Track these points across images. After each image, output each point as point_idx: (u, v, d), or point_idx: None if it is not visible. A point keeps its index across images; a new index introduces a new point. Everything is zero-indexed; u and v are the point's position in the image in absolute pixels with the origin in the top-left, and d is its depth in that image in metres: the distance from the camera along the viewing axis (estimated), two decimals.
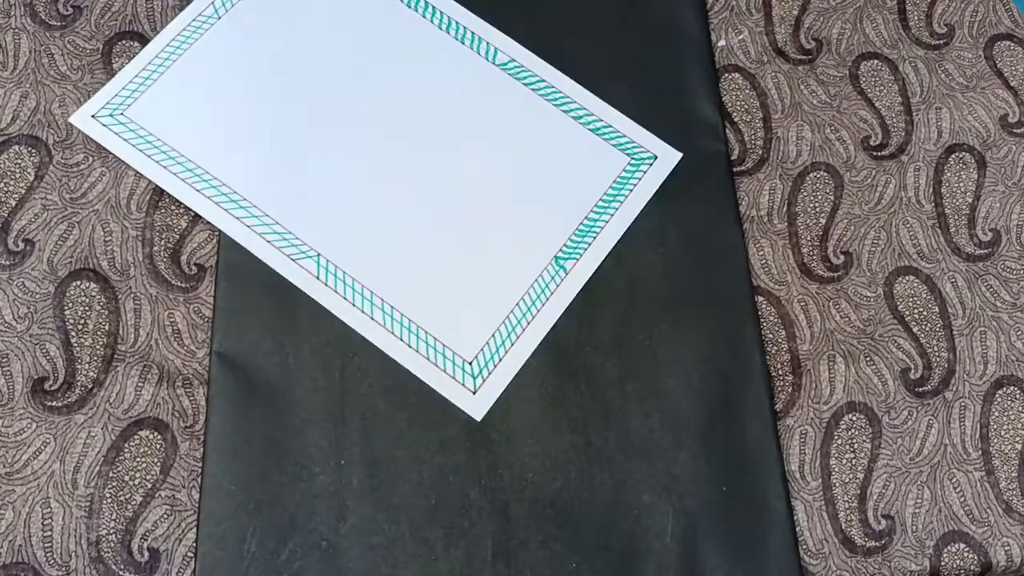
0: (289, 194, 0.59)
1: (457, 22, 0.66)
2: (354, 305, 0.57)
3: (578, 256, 0.59)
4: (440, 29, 0.66)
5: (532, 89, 0.64)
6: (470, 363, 0.56)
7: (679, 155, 0.62)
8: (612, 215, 0.61)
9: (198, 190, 0.58)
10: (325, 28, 0.65)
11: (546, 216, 0.61)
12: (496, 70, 0.65)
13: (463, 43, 0.65)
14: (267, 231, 0.57)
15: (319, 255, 0.57)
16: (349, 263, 0.57)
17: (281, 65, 0.63)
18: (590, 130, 0.63)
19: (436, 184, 0.61)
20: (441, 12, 0.67)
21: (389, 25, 0.65)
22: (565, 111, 0.63)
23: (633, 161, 0.62)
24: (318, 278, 0.57)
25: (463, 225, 0.60)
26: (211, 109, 0.61)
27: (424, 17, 0.65)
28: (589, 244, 0.60)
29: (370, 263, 0.58)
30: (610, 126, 0.63)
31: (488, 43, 0.65)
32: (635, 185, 0.61)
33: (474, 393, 0.56)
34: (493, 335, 0.57)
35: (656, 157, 0.62)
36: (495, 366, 0.56)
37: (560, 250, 0.60)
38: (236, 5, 0.64)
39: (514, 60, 0.64)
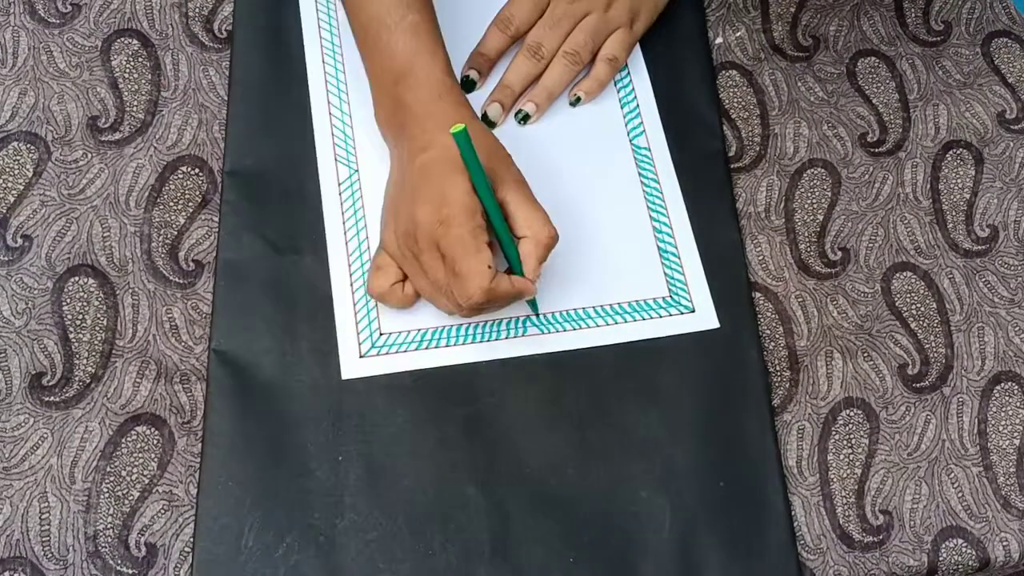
0: None
1: (634, 87, 0.66)
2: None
3: (550, 330, 0.58)
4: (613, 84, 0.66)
5: (641, 177, 0.63)
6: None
7: (716, 324, 0.59)
8: (610, 324, 0.59)
9: None
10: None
11: (559, 279, 0.59)
12: (628, 145, 0.64)
13: (621, 107, 0.65)
14: None
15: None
16: None
17: None
18: (658, 246, 0.61)
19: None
20: (629, 71, 0.67)
21: None
22: (652, 214, 0.62)
23: (670, 298, 0.59)
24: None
25: None
26: None
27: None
28: (568, 330, 0.58)
29: None
30: (678, 257, 0.61)
31: (642, 123, 0.65)
32: (651, 317, 0.59)
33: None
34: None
35: (693, 311, 0.59)
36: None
37: (543, 315, 0.59)
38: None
39: (649, 149, 0.63)
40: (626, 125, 0.65)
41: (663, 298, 0.60)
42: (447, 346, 0.57)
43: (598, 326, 0.58)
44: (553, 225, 0.54)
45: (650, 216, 0.62)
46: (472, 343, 0.57)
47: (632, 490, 0.55)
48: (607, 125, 0.65)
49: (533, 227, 0.54)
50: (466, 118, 0.57)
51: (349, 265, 0.59)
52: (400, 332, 0.57)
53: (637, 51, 0.68)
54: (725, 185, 0.64)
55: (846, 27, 0.71)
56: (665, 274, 0.60)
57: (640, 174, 0.63)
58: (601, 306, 0.59)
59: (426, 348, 0.57)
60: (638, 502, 0.54)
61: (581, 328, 0.58)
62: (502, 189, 0.54)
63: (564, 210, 0.61)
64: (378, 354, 0.57)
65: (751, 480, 0.55)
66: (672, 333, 0.59)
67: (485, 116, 0.64)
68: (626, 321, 0.59)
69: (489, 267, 0.51)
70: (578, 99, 0.65)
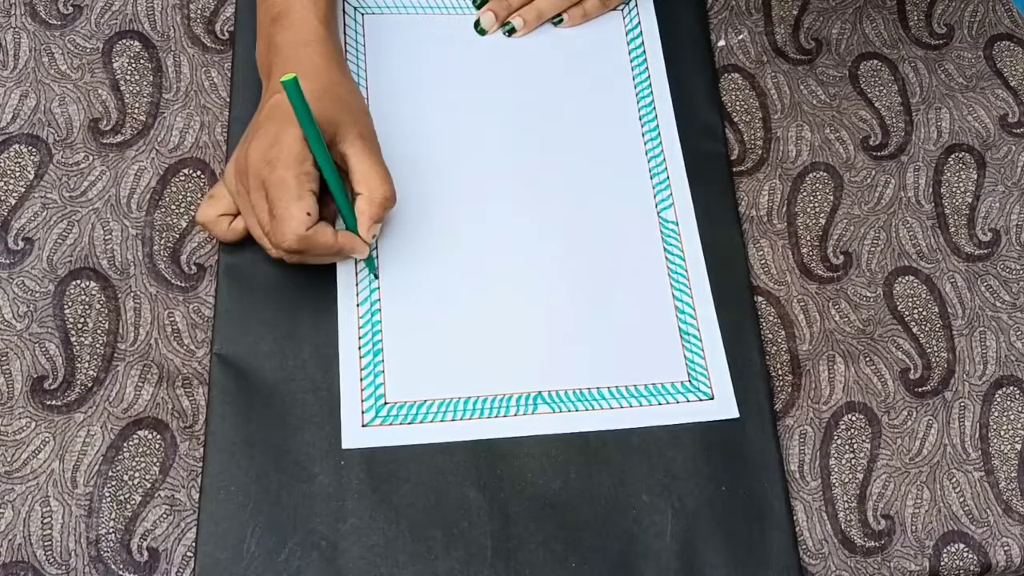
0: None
1: (658, 120, 0.65)
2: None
3: (561, 410, 0.56)
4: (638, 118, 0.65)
5: (666, 253, 0.61)
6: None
7: (736, 414, 0.57)
8: (624, 408, 0.57)
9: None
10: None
11: (574, 354, 0.58)
12: (655, 219, 0.62)
13: (643, 140, 0.64)
14: None
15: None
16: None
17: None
18: (680, 326, 0.59)
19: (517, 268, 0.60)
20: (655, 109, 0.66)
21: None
22: (675, 293, 0.60)
23: (688, 383, 0.57)
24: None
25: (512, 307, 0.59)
26: None
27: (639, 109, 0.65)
28: (581, 411, 0.56)
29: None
30: (699, 339, 0.58)
31: (671, 195, 0.62)
32: (668, 403, 0.57)
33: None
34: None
35: (712, 398, 0.57)
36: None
37: (555, 392, 0.57)
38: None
39: (677, 224, 0.61)
40: (654, 197, 0.63)
41: (681, 382, 0.58)
42: (453, 420, 0.56)
43: (611, 408, 0.57)
44: (392, 185, 0.53)
45: (673, 295, 0.60)
46: (479, 419, 0.56)
47: (634, 494, 0.55)
48: (634, 187, 0.63)
49: (370, 184, 0.53)
50: (328, 68, 0.56)
51: (359, 319, 0.58)
52: (406, 403, 0.56)
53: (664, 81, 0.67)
54: (727, 188, 0.64)
55: (848, 30, 0.71)
56: (685, 357, 0.58)
57: (666, 250, 0.61)
58: (616, 387, 0.57)
59: (431, 422, 0.56)
60: (639, 506, 0.54)
61: (593, 410, 0.57)
62: (344, 143, 0.54)
63: (585, 286, 0.60)
64: (381, 424, 0.55)
65: (753, 484, 0.55)
66: (688, 421, 0.57)
67: (478, 24, 0.65)
68: (641, 405, 0.57)
69: (309, 214, 0.51)
70: (560, 20, 0.67)
